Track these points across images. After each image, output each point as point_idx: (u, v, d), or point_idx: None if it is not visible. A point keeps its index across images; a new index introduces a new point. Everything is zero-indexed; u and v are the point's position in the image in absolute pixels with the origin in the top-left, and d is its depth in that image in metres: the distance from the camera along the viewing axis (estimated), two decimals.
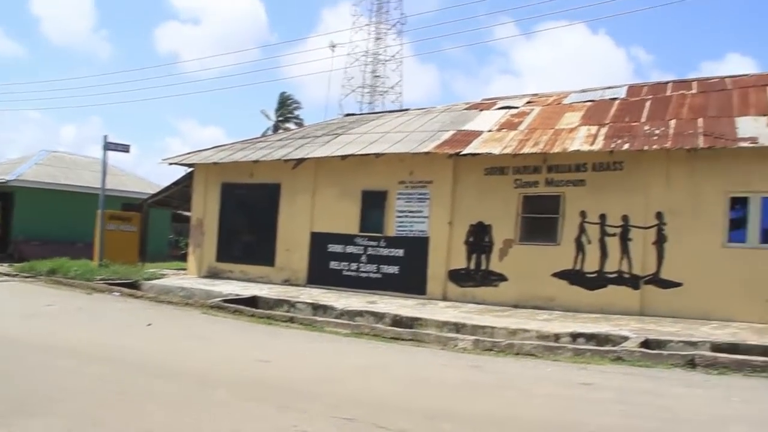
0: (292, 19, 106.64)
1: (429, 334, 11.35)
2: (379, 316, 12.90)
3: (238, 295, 15.12)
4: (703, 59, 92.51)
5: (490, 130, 16.30)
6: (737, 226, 13.09)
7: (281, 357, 9.35)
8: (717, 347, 9.96)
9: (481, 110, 18.44)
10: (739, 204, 13.09)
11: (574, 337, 10.90)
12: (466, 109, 19.05)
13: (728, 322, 12.19)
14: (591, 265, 14.15)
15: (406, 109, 22.22)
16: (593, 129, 14.90)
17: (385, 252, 16.53)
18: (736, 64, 79.13)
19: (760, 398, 7.54)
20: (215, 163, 19.03)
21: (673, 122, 14.34)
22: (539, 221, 14.90)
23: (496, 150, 14.81)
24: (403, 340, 11.08)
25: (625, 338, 10.57)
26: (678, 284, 13.25)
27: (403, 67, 59.45)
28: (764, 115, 13.78)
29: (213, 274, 18.98)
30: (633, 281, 13.69)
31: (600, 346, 10.32)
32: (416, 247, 16.07)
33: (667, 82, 17.57)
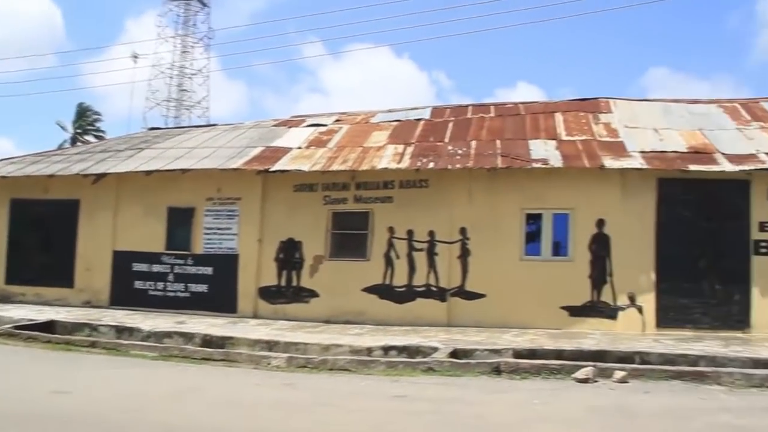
0: (92, 26, 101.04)
1: (241, 353, 11.10)
2: (188, 337, 12.42)
3: (32, 320, 13.88)
4: (498, 86, 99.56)
5: (299, 147, 16.35)
6: (532, 240, 14.11)
7: (83, 386, 8.66)
8: (518, 354, 10.60)
9: (290, 127, 18.45)
10: (533, 219, 14.11)
11: (386, 350, 11.13)
12: (275, 125, 18.98)
13: (527, 329, 13.01)
14: (400, 279, 14.57)
15: (214, 125, 21.71)
16: (400, 148, 15.42)
17: (193, 270, 15.98)
18: (525, 91, 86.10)
19: (558, 399, 8.09)
20: (3, 177, 17.40)
21: (474, 143, 15.20)
22: (349, 237, 15.13)
23: (305, 167, 14.88)
24: (214, 360, 10.75)
25: (435, 349, 10.95)
26: (482, 296, 14.00)
27: (210, 82, 58.39)
28: (553, 139, 15.02)
29: (2, 299, 17.30)
30: (440, 294, 14.27)
31: (411, 358, 10.62)
32: (226, 265, 15.70)
33: (467, 106, 18.61)
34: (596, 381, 9.01)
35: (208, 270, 15.89)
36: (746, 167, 12.96)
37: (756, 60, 68.24)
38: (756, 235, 13.13)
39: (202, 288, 15.86)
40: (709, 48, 67.31)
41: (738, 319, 13.07)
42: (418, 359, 10.48)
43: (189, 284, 15.97)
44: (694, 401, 7.98)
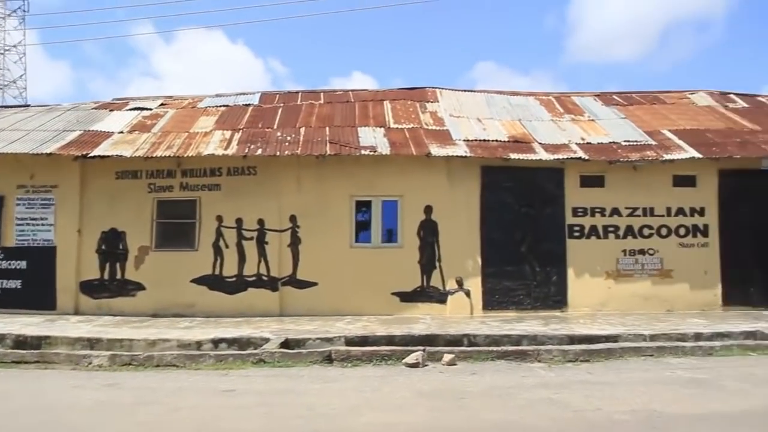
0: None
1: (58, 353, 10.21)
2: None
3: None
4: (333, 75, 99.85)
5: (121, 132, 15.34)
6: (363, 228, 14.15)
7: None
8: (350, 341, 10.57)
9: (112, 110, 17.30)
10: (364, 207, 14.15)
11: (216, 343, 10.69)
12: (95, 108, 17.71)
13: (360, 316, 13.10)
14: (230, 269, 14.11)
15: (27, 105, 19.93)
16: (227, 134, 14.91)
17: (4, 265, 14.54)
18: (360, 81, 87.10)
19: (388, 384, 8.10)
20: None
21: (303, 130, 15.00)
22: (176, 227, 14.42)
23: (127, 153, 13.97)
24: (26, 363, 9.84)
25: (266, 340, 10.67)
26: (313, 284, 13.86)
27: (28, 60, 53.64)
28: (381, 126, 15.14)
29: None
30: (272, 283, 13.97)
31: (242, 350, 10.27)
32: (42, 258, 14.44)
33: (297, 92, 18.38)
34: (426, 365, 9.15)
35: (22, 264, 14.53)
36: (560, 156, 13.75)
37: (569, 59, 73.71)
38: (570, 219, 14.01)
39: (15, 284, 14.47)
40: (529, 46, 71.66)
41: (556, 299, 13.88)
42: (248, 351, 10.14)
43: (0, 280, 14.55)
44: (517, 379, 8.30)
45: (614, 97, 18.14)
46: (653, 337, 10.72)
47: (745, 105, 17.72)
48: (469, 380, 8.28)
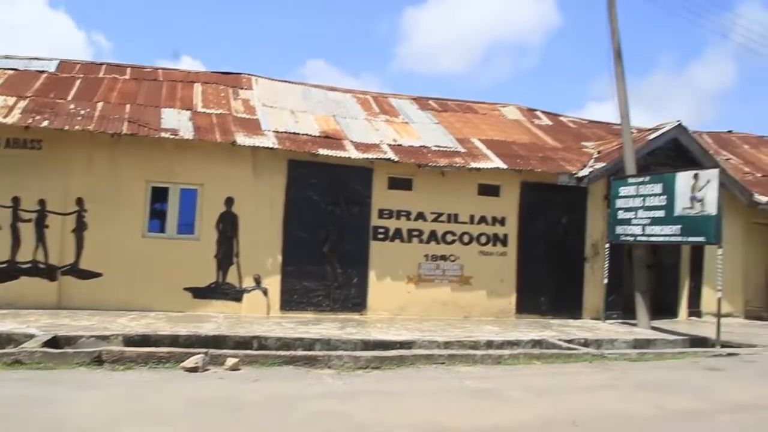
0: None
1: None
2: None
3: None
4: (161, 57, 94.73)
5: None
6: (158, 216, 13.13)
7: None
8: (130, 340, 9.70)
9: None
10: (161, 194, 13.13)
11: None
12: None
13: (148, 312, 12.16)
14: (1, 254, 12.54)
15: None
16: (11, 100, 13.26)
17: None
18: (188, 65, 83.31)
19: (159, 391, 7.36)
20: None
21: (100, 105, 13.70)
22: None
23: None
24: None
25: (31, 336, 9.48)
26: (98, 275, 12.65)
27: None
28: (188, 109, 14.19)
29: None
30: (50, 272, 12.58)
31: (1, 348, 9.04)
32: None
33: (102, 64, 16.88)
34: (207, 369, 8.44)
35: None
36: (370, 156, 13.54)
37: (399, 66, 75.38)
38: (375, 221, 13.85)
39: None
40: (362, 49, 72.21)
41: (356, 301, 13.66)
42: (7, 349, 8.92)
43: None
44: (302, 388, 7.83)
45: (430, 102, 18.34)
46: (447, 345, 10.73)
47: (549, 123, 18.60)
48: (249, 388, 7.69)
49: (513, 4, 74.47)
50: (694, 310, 16.53)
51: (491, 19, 68.97)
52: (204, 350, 8.96)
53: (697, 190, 12.21)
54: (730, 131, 22.91)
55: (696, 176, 12.33)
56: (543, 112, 19.44)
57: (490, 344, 11.08)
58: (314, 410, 6.81)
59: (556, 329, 13.11)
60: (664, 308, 16.69)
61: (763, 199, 16.97)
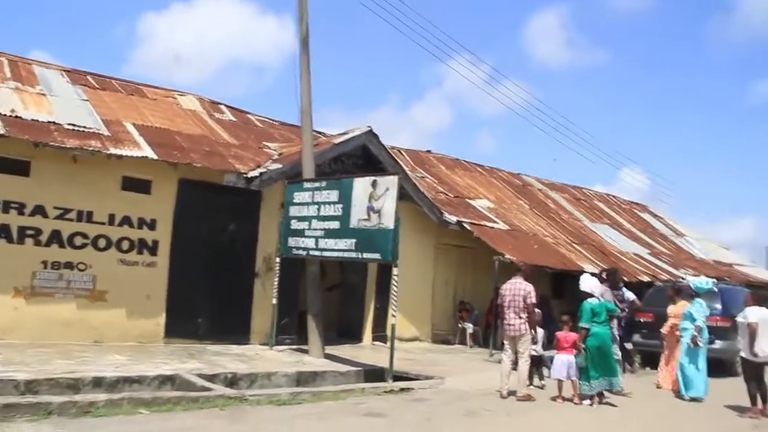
0: None
1: None
2: None
3: None
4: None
5: None
6: None
7: None
8: None
9: None
10: None
11: None
12: None
13: None
14: None
15: None
16: None
17: None
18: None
19: None
20: None
21: None
22: None
23: None
24: None
25: None
26: None
27: None
28: None
29: None
30: None
31: None
32: None
33: None
34: None
35: None
36: None
37: (133, 71, 69.26)
38: None
39: None
40: (97, 47, 64.23)
41: None
42: None
43: None
44: None
45: (89, 78, 14.90)
46: (30, 385, 7.74)
47: (233, 119, 16.30)
48: None
49: (253, 24, 72.06)
50: (380, 334, 15.10)
51: (231, 35, 65.87)
52: None
53: (374, 199, 10.52)
54: (428, 151, 22.52)
55: (374, 183, 10.64)
56: (229, 107, 17.03)
57: (99, 382, 8.29)
58: None
59: (206, 359, 10.67)
60: (350, 332, 15.25)
61: (452, 218, 16.22)
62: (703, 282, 11.81)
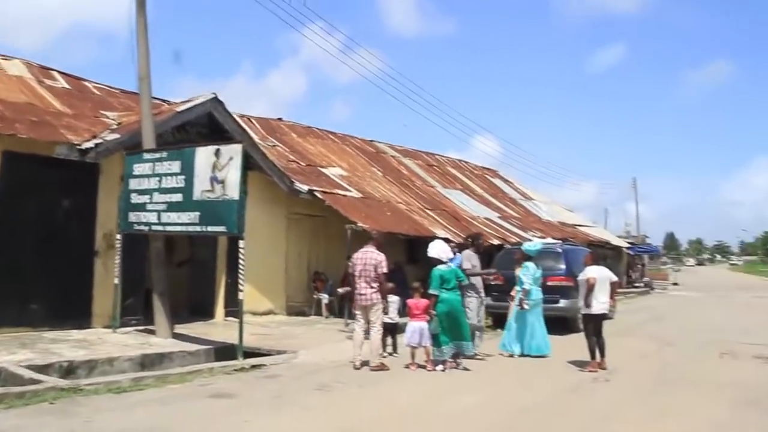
0: None
1: None
2: None
3: None
4: None
5: None
6: None
7: None
8: None
9: None
10: None
11: None
12: None
13: None
14: None
15: None
16: None
17: None
18: None
19: None
20: None
21: None
22: None
23: None
24: None
25: None
26: None
27: None
28: None
29: None
30: None
31: None
32: None
33: None
34: None
35: None
36: None
37: None
38: None
39: None
40: None
41: None
42: None
43: None
44: None
45: None
46: None
47: (67, 86, 15.07)
48: None
49: None
50: (232, 310, 14.56)
51: (76, 3, 61.06)
52: None
53: (218, 170, 10.03)
54: (280, 119, 22.05)
55: (218, 152, 10.14)
56: (63, 73, 15.73)
57: None
58: None
59: (40, 348, 9.84)
60: (201, 309, 14.68)
61: (304, 187, 15.91)
62: (532, 245, 12.32)
